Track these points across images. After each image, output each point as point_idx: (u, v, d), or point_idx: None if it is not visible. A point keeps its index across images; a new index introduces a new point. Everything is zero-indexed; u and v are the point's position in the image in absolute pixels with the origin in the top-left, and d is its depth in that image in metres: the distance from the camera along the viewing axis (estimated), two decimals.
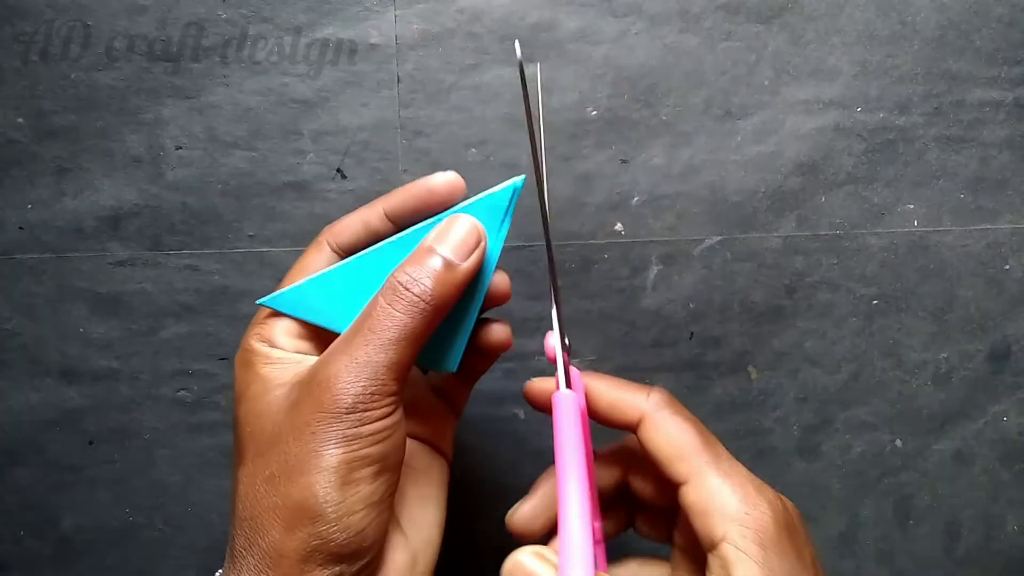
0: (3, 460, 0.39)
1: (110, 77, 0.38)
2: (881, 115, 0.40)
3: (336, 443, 0.25)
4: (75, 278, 0.39)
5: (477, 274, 0.29)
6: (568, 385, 0.29)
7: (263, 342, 0.29)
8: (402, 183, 0.39)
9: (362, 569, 0.27)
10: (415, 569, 0.29)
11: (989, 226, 0.40)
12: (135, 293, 0.39)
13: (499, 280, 0.31)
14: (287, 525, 0.25)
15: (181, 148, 0.38)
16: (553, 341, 0.30)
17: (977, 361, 0.41)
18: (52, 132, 0.38)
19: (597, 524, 0.31)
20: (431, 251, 0.28)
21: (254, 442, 0.27)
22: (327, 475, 0.25)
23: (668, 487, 0.29)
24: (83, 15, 0.38)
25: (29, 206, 0.38)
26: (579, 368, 0.39)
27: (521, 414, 0.40)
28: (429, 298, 0.27)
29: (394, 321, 0.26)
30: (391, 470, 0.27)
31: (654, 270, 0.40)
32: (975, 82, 0.40)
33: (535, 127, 0.26)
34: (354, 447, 0.26)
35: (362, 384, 0.26)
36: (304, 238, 0.39)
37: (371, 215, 0.31)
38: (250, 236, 0.39)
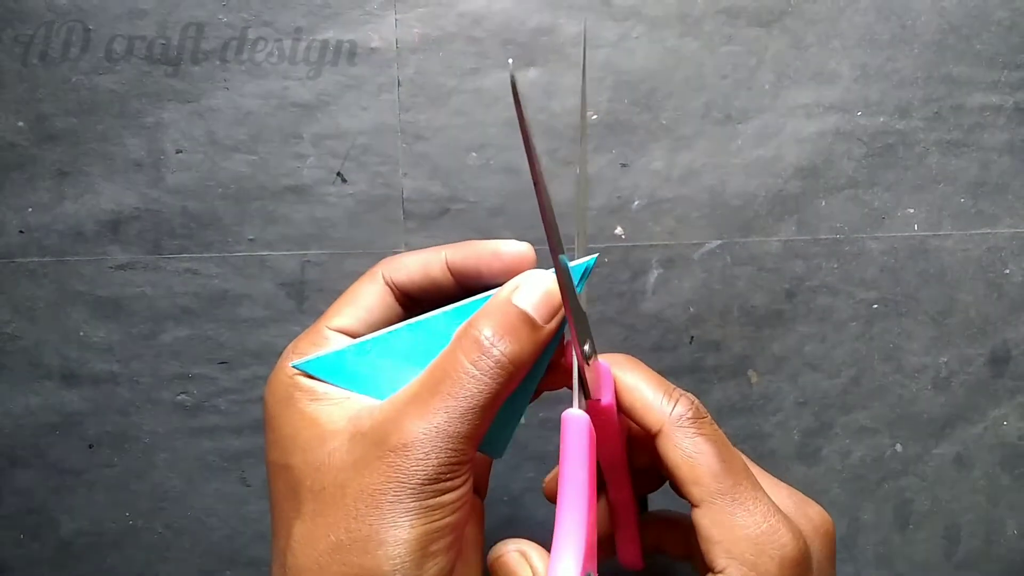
0: (3, 463, 0.39)
1: (110, 80, 0.38)
2: (881, 119, 0.40)
3: (415, 515, 0.23)
4: (75, 282, 0.39)
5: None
6: (588, 395, 0.27)
7: (302, 375, 0.27)
8: (403, 187, 0.39)
9: None
10: None
11: (989, 230, 0.40)
12: (135, 297, 0.39)
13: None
14: None
15: (181, 152, 0.38)
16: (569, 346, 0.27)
17: (977, 365, 0.41)
18: (52, 136, 0.38)
19: (593, 538, 0.29)
20: (515, 307, 0.25)
21: (314, 499, 0.25)
22: (405, 548, 0.23)
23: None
24: (83, 18, 0.38)
25: (29, 209, 0.38)
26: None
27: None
28: (513, 362, 0.24)
29: (477, 386, 0.24)
30: (460, 537, 0.25)
31: (654, 274, 0.40)
32: (975, 86, 0.40)
33: (528, 136, 0.24)
34: (433, 519, 0.24)
35: (445, 455, 0.24)
36: (304, 242, 0.39)
37: (433, 261, 0.28)
38: (250, 240, 0.39)
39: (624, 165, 0.39)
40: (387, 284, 0.29)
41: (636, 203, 0.39)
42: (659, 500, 0.33)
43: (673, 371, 0.40)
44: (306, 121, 0.38)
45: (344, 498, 0.24)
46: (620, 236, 0.39)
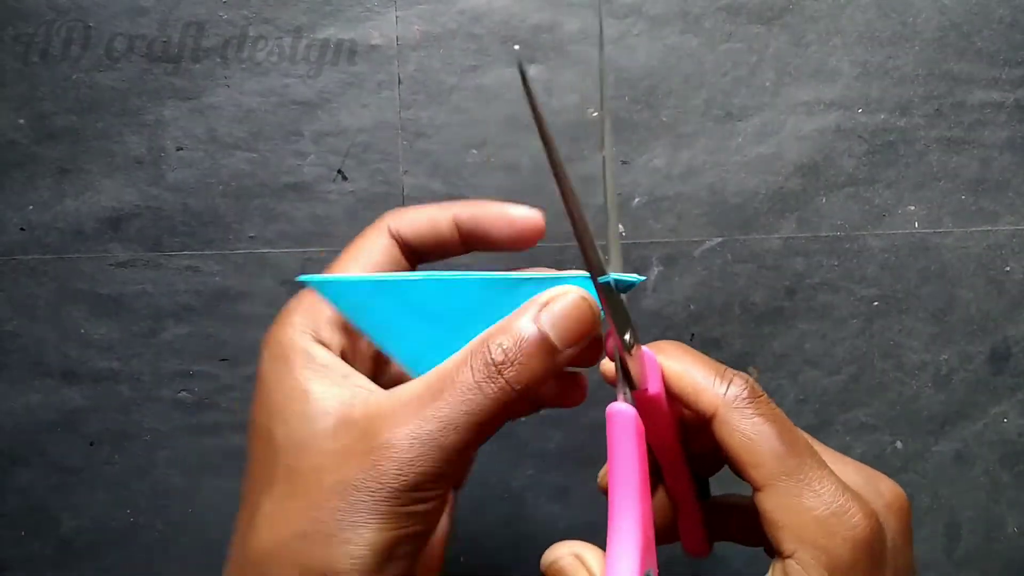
0: (4, 461, 0.39)
1: (111, 78, 0.38)
2: (882, 116, 0.40)
3: (387, 519, 0.23)
4: (76, 279, 0.39)
5: None
6: (632, 385, 0.25)
7: (307, 334, 0.25)
8: (403, 184, 0.39)
9: None
10: None
11: (990, 228, 0.40)
12: (136, 294, 0.39)
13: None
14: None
15: (182, 149, 0.38)
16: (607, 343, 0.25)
17: (977, 363, 0.41)
18: (53, 133, 0.38)
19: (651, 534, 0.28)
20: (537, 332, 0.24)
21: (288, 478, 0.24)
22: (369, 551, 0.22)
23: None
24: (84, 16, 0.38)
25: (30, 207, 0.38)
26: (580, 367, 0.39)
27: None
28: (524, 386, 0.23)
29: (481, 404, 0.23)
30: (426, 542, 0.25)
31: (655, 271, 0.40)
32: (976, 83, 0.40)
33: (543, 125, 0.22)
34: (404, 525, 0.23)
35: (430, 465, 0.23)
36: (305, 239, 0.39)
37: (441, 217, 0.27)
38: (251, 237, 0.39)
39: (625, 162, 0.39)
40: (393, 237, 0.27)
41: (637, 200, 0.39)
42: (723, 484, 0.32)
43: None
44: (307, 118, 0.38)
45: (319, 486, 0.23)
46: (621, 234, 0.39)
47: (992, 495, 0.41)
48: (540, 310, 0.24)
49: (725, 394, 0.25)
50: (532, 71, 0.39)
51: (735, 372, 0.26)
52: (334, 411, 0.24)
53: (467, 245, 0.28)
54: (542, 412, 0.40)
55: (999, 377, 0.41)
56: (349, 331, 0.26)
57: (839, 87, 0.40)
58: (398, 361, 0.26)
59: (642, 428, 0.25)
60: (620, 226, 0.39)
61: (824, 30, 0.39)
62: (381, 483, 0.22)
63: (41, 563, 0.39)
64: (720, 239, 0.40)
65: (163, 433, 0.39)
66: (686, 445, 0.28)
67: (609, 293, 0.24)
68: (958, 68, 0.40)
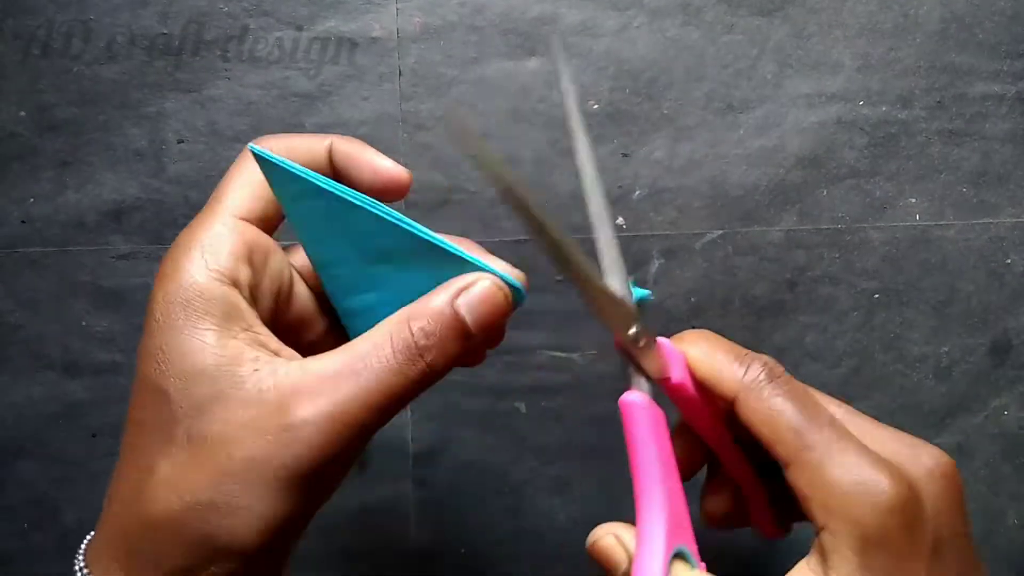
0: (6, 454, 0.39)
1: (112, 71, 0.38)
2: (883, 109, 0.40)
3: (294, 496, 0.23)
4: (77, 272, 0.39)
5: None
6: (649, 376, 0.26)
7: (208, 272, 0.24)
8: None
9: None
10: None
11: (991, 220, 0.40)
12: (137, 287, 0.39)
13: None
14: (204, 555, 0.23)
15: (183, 142, 0.38)
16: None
17: (978, 355, 0.41)
18: (54, 126, 0.38)
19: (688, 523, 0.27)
20: (456, 316, 0.24)
21: (191, 445, 0.23)
22: (274, 524, 0.22)
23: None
24: (85, 9, 0.38)
25: (31, 200, 0.38)
26: (579, 359, 0.40)
27: (522, 407, 0.40)
28: (442, 368, 0.24)
29: (399, 385, 0.23)
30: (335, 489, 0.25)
31: (655, 264, 0.40)
32: (978, 76, 0.40)
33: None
34: (311, 502, 0.23)
35: (342, 447, 0.23)
36: None
37: (317, 148, 0.27)
38: None
39: (625, 155, 0.39)
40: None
41: (637, 193, 0.39)
42: None
43: None
44: (307, 111, 0.38)
45: (228, 459, 0.22)
46: (621, 226, 0.39)
47: (993, 487, 0.41)
48: (457, 295, 0.24)
49: (744, 377, 0.25)
50: (532, 63, 0.39)
51: (754, 355, 0.26)
52: (241, 376, 0.23)
53: (337, 179, 0.27)
54: (542, 404, 0.40)
55: (1000, 369, 0.41)
56: (255, 263, 0.25)
57: (840, 79, 0.39)
58: (308, 256, 0.27)
59: (659, 413, 0.26)
60: (621, 218, 0.39)
61: (825, 22, 0.39)
62: (293, 464, 0.22)
63: (43, 555, 0.39)
64: (721, 232, 0.40)
65: None
66: (734, 429, 0.28)
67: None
68: (960, 60, 0.40)
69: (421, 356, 0.23)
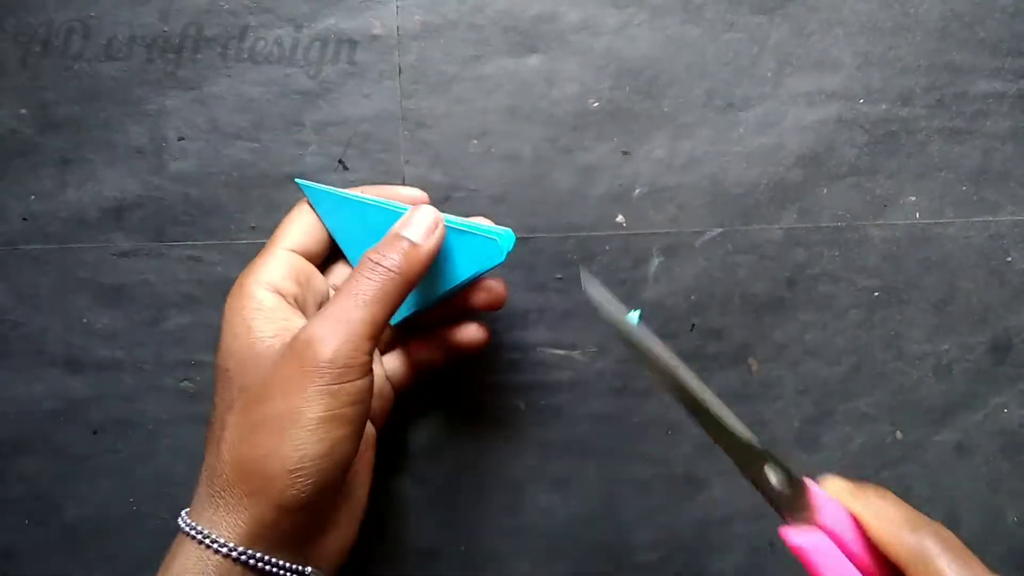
0: (8, 450, 0.39)
1: (113, 68, 0.38)
2: (884, 107, 0.40)
3: (319, 399, 0.28)
4: (78, 269, 0.39)
5: (448, 266, 0.34)
6: (798, 515, 0.27)
7: (260, 285, 0.32)
8: (404, 174, 0.39)
9: (320, 519, 0.31)
10: (352, 524, 0.33)
11: (991, 218, 0.40)
12: (138, 284, 0.39)
13: (493, 285, 0.36)
14: (268, 474, 0.28)
15: (184, 139, 0.39)
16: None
17: (978, 353, 0.41)
18: (55, 123, 0.38)
19: None
20: (399, 236, 0.31)
21: (243, 394, 0.30)
22: (310, 430, 0.28)
23: None
24: (85, 7, 0.38)
25: (32, 197, 0.39)
26: (579, 357, 0.40)
27: (522, 405, 0.40)
28: (398, 269, 0.30)
29: (368, 286, 0.30)
30: (360, 434, 0.30)
31: (655, 262, 0.40)
32: (978, 73, 0.40)
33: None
34: (334, 404, 0.28)
35: (339, 340, 0.29)
36: None
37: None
38: (252, 227, 0.39)
39: (626, 153, 0.39)
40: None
41: (637, 191, 0.39)
42: None
43: None
44: (308, 108, 0.38)
45: (266, 391, 0.29)
46: (621, 224, 0.39)
47: (992, 485, 0.41)
48: (400, 227, 0.32)
49: (917, 546, 0.25)
50: (532, 61, 0.39)
51: (927, 522, 0.26)
52: (273, 338, 0.30)
53: None
54: (542, 402, 0.40)
55: (1000, 367, 0.41)
56: (300, 282, 0.33)
57: (841, 77, 0.39)
58: (348, 257, 0.36)
59: (836, 549, 0.26)
60: (621, 216, 0.39)
61: (826, 20, 0.39)
62: (308, 366, 0.28)
63: (45, 551, 0.39)
64: (721, 230, 0.40)
65: (166, 422, 0.39)
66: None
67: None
68: (960, 58, 0.40)
69: (380, 263, 0.30)
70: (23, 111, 0.38)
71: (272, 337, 0.30)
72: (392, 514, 0.39)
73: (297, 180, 0.35)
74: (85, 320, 0.39)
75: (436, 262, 0.33)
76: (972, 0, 0.40)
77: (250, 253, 0.39)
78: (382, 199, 0.34)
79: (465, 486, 0.40)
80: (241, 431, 0.29)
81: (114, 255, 0.39)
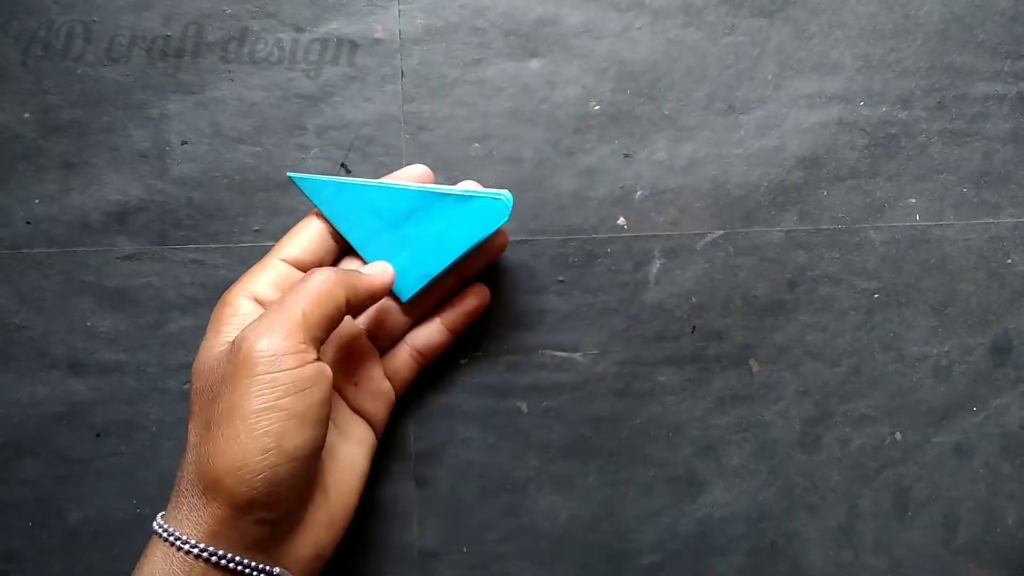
0: (11, 453, 0.39)
1: (116, 72, 0.38)
2: (884, 109, 0.40)
3: (255, 391, 0.29)
4: (82, 272, 0.39)
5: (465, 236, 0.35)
6: None
7: (243, 294, 0.33)
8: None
9: (283, 519, 0.30)
10: (331, 530, 0.33)
11: (991, 220, 0.41)
12: (141, 287, 0.39)
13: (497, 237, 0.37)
14: (217, 472, 0.28)
15: (187, 143, 0.39)
16: None
17: (978, 355, 0.41)
18: (58, 127, 0.38)
19: None
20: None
21: (199, 396, 0.31)
22: (249, 424, 0.28)
23: None
24: (88, 10, 0.38)
25: (36, 201, 0.39)
26: (580, 358, 0.40)
27: (524, 407, 0.40)
28: (329, 271, 0.32)
29: (301, 284, 0.31)
30: (311, 426, 0.30)
31: (657, 264, 0.40)
32: (978, 76, 0.40)
33: None
34: (271, 395, 0.29)
35: (271, 330, 0.29)
36: None
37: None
38: (255, 231, 0.39)
39: (627, 155, 0.39)
40: (326, 223, 0.36)
41: (639, 193, 0.40)
42: None
43: (675, 361, 0.40)
44: (310, 112, 0.39)
45: (212, 389, 0.30)
46: (623, 226, 0.40)
47: (992, 487, 0.41)
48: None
49: None
50: (534, 64, 0.39)
51: None
52: (227, 342, 0.31)
53: None
54: (543, 404, 0.40)
55: (1000, 369, 0.41)
56: (283, 290, 0.33)
57: (841, 80, 0.40)
58: (353, 244, 0.36)
59: None
60: (622, 219, 0.40)
61: (826, 23, 0.39)
62: (242, 362, 0.29)
63: (49, 553, 0.40)
64: (722, 232, 0.40)
65: (169, 424, 0.39)
66: None
67: None
68: (960, 61, 0.40)
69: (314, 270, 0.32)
70: (27, 115, 0.38)
71: (227, 344, 0.31)
72: (394, 515, 0.40)
73: (289, 174, 0.36)
74: (88, 323, 0.39)
75: (440, 232, 0.35)
76: (972, 3, 0.40)
77: (253, 256, 0.39)
78: (381, 181, 0.35)
79: (467, 488, 0.40)
80: (197, 432, 0.30)
81: (117, 258, 0.39)
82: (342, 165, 0.39)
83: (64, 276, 0.39)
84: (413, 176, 0.36)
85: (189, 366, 0.39)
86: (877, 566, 0.41)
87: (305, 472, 0.30)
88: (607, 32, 0.39)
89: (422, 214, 0.35)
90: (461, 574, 0.40)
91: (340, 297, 0.31)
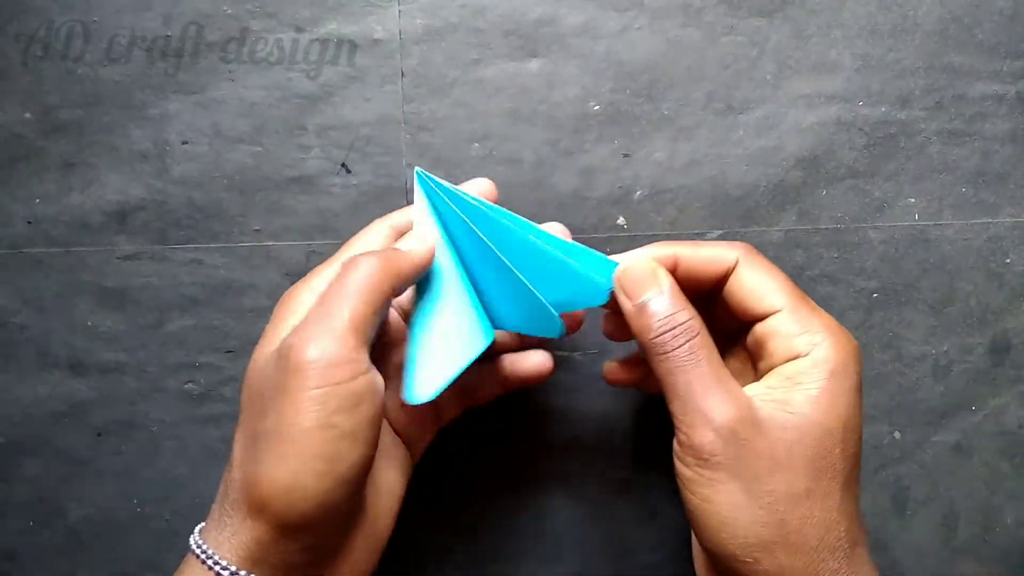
0: (12, 452, 0.39)
1: (116, 72, 0.38)
2: (883, 109, 0.40)
3: (307, 406, 0.26)
4: (82, 272, 0.39)
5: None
6: None
7: (309, 290, 0.31)
8: (406, 178, 0.39)
9: (329, 544, 0.29)
10: (371, 557, 0.31)
11: (990, 220, 0.41)
12: (142, 287, 0.39)
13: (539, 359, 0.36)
14: (265, 493, 0.26)
15: (187, 143, 0.39)
16: None
17: (977, 354, 0.41)
18: (58, 127, 0.38)
19: None
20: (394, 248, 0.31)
21: (249, 405, 0.29)
22: (301, 443, 0.26)
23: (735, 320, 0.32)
24: (87, 11, 0.38)
25: (36, 201, 0.39)
26: (580, 358, 0.40)
27: (523, 407, 0.40)
28: (379, 266, 0.29)
29: (347, 280, 0.29)
30: (364, 446, 0.28)
31: None
32: (977, 76, 0.40)
33: None
34: (324, 412, 0.26)
35: (320, 336, 0.27)
36: (309, 232, 0.39)
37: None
38: (255, 230, 0.39)
39: (626, 155, 0.40)
40: (394, 230, 0.33)
41: (638, 193, 0.40)
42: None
43: None
44: (310, 112, 0.39)
45: (260, 401, 0.28)
46: (622, 226, 0.40)
47: (990, 486, 0.41)
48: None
49: (740, 250, 0.32)
50: (533, 65, 0.39)
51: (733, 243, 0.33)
52: (275, 350, 0.29)
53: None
54: (543, 404, 0.40)
55: (999, 369, 0.41)
56: None
57: (840, 80, 0.40)
58: (454, 250, 0.33)
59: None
60: (621, 219, 0.40)
61: (825, 23, 0.39)
62: (297, 367, 0.27)
63: (49, 552, 0.40)
64: (721, 231, 0.40)
65: (169, 424, 0.39)
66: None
67: None
68: (959, 60, 0.40)
69: (358, 261, 0.29)
70: (27, 115, 0.38)
71: (277, 345, 0.29)
72: None
73: (417, 170, 0.33)
74: (89, 323, 0.39)
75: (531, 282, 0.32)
76: (970, 2, 0.40)
77: (253, 256, 0.39)
78: (495, 206, 0.33)
79: (466, 487, 0.40)
80: (243, 448, 0.28)
81: (117, 258, 0.39)
82: (342, 165, 0.39)
83: (64, 276, 0.39)
84: (482, 191, 0.34)
85: (189, 366, 0.39)
86: (876, 565, 0.41)
87: (356, 495, 0.29)
88: (606, 32, 0.39)
89: (523, 259, 0.32)
90: (460, 574, 0.40)
91: (388, 288, 0.29)
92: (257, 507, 0.27)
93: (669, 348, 0.29)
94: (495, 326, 0.33)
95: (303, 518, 0.27)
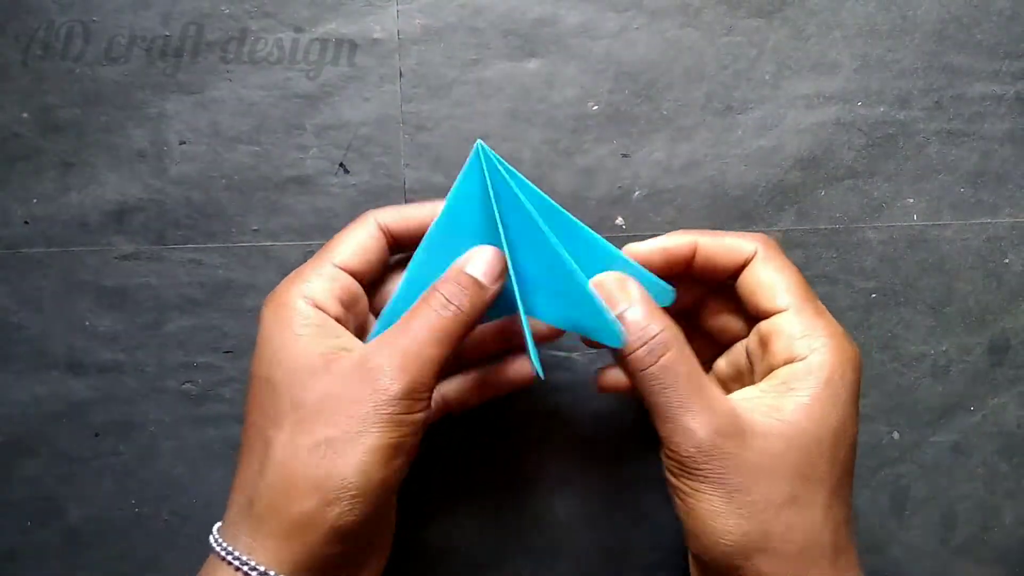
0: (10, 452, 0.39)
1: (114, 72, 0.38)
2: (882, 109, 0.40)
3: (385, 426, 0.28)
4: (80, 272, 0.39)
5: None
6: None
7: (305, 299, 0.30)
8: (405, 177, 0.39)
9: (362, 551, 0.30)
10: (380, 567, 0.32)
11: (989, 220, 0.41)
12: (140, 287, 0.39)
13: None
14: (327, 497, 0.27)
15: (185, 143, 0.39)
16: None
17: (976, 354, 0.41)
18: (57, 127, 0.38)
19: None
20: (468, 275, 0.31)
21: (295, 411, 0.28)
22: (375, 456, 0.27)
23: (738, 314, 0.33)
24: (87, 10, 0.38)
25: (34, 200, 0.39)
26: (579, 358, 0.40)
27: (522, 407, 0.40)
28: (468, 310, 0.30)
29: (441, 323, 0.29)
30: (407, 454, 0.29)
31: None
32: (976, 76, 0.40)
33: None
34: (396, 434, 0.28)
35: (411, 374, 0.28)
36: (308, 232, 0.39)
37: (429, 215, 0.33)
38: (254, 230, 0.39)
39: (625, 155, 0.40)
40: (381, 229, 0.33)
41: (637, 193, 0.40)
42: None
43: None
44: (309, 112, 0.39)
45: (324, 410, 0.28)
46: (621, 226, 0.40)
47: (989, 486, 0.41)
48: (465, 264, 0.31)
49: (759, 240, 0.32)
50: (532, 65, 0.39)
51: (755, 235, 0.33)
52: (328, 354, 0.29)
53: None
54: (542, 404, 0.40)
55: (998, 369, 0.41)
56: (344, 302, 0.32)
57: (839, 80, 0.40)
58: (505, 230, 0.32)
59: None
60: (621, 219, 0.40)
61: (824, 23, 0.39)
62: (379, 394, 0.28)
63: (47, 552, 0.40)
64: None
65: (168, 424, 0.39)
66: None
67: None
68: (958, 61, 0.40)
69: (450, 302, 0.30)
70: (25, 115, 0.38)
71: (322, 354, 0.29)
72: None
73: (479, 142, 0.31)
74: (87, 323, 0.39)
75: (557, 297, 0.32)
76: (970, 3, 0.40)
77: (251, 256, 0.39)
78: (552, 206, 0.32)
79: (465, 487, 0.40)
80: (295, 450, 0.28)
81: (116, 258, 0.39)
82: (340, 165, 0.39)
83: (62, 276, 0.39)
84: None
85: (188, 365, 0.39)
86: (875, 565, 0.41)
87: (391, 501, 0.30)
88: (605, 32, 0.39)
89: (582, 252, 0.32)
90: (461, 573, 0.40)
91: (463, 338, 0.30)
92: (315, 511, 0.27)
93: (644, 365, 0.29)
94: (528, 312, 0.33)
95: (360, 525, 0.28)
